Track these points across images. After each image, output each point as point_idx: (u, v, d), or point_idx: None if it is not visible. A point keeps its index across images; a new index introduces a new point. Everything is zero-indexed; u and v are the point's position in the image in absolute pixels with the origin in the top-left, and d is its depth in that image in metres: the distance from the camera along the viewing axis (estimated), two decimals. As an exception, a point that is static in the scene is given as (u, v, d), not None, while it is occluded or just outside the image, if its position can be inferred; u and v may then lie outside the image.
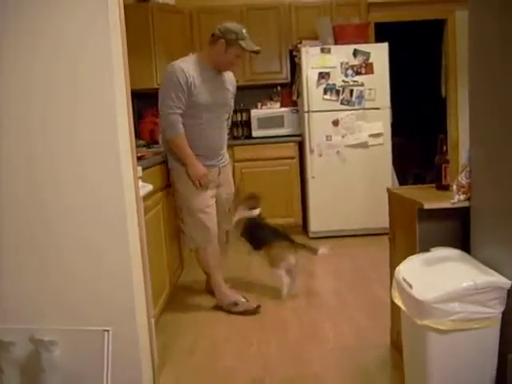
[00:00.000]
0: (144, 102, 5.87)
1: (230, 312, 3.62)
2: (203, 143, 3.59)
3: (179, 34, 5.80)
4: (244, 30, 3.49)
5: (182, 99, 3.43)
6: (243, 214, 3.93)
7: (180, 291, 4.10)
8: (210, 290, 3.90)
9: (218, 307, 3.72)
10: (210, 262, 3.71)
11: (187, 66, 3.47)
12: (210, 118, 3.58)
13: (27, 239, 2.13)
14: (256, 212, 3.94)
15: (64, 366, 2.08)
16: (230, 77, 3.79)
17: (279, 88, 6.12)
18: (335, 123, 5.40)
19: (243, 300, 3.64)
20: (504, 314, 1.99)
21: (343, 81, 5.36)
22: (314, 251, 3.76)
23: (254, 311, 3.57)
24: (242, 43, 3.47)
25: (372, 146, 5.45)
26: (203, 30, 5.87)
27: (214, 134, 3.65)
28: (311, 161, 5.47)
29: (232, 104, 3.84)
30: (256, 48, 3.60)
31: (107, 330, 2.06)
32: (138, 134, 5.45)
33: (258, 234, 3.88)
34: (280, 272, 3.74)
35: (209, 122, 3.58)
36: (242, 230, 3.92)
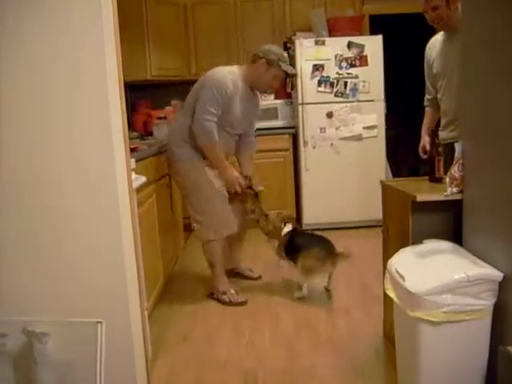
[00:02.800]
0: (137, 94, 5.87)
1: (218, 300, 3.72)
2: (221, 148, 3.61)
3: (173, 25, 5.77)
4: (285, 54, 3.63)
5: (220, 111, 3.47)
6: (282, 231, 3.79)
7: (174, 283, 4.11)
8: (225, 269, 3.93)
9: (210, 296, 3.78)
10: (218, 255, 3.74)
11: (233, 81, 3.50)
12: (230, 130, 3.65)
13: (22, 232, 2.12)
14: (287, 228, 3.81)
15: (57, 357, 2.07)
16: (258, 100, 3.89)
17: (273, 80, 6.10)
18: (329, 115, 5.39)
19: (233, 292, 3.72)
20: (496, 305, 2.00)
21: (337, 73, 5.36)
22: (346, 256, 3.58)
23: (239, 304, 3.66)
24: (283, 65, 3.55)
25: (366, 138, 5.45)
26: (197, 21, 5.87)
27: (231, 141, 3.74)
28: (305, 153, 5.47)
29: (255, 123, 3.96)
30: (294, 72, 3.75)
31: (100, 322, 2.06)
32: (131, 126, 5.43)
33: (294, 245, 3.72)
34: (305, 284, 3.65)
35: (229, 130, 3.65)
36: (285, 248, 3.76)
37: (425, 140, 3.46)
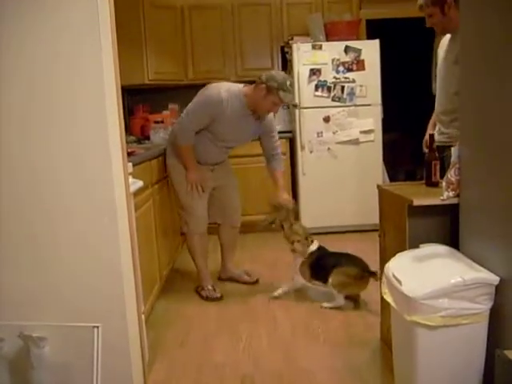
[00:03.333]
0: (135, 98, 5.88)
1: (197, 293, 3.94)
2: (204, 156, 3.82)
3: (171, 29, 5.78)
4: (288, 82, 3.55)
5: (205, 123, 3.64)
6: (302, 253, 3.69)
7: (171, 286, 4.11)
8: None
9: (195, 290, 3.99)
10: (196, 248, 3.96)
11: (228, 97, 3.57)
12: (220, 141, 3.78)
13: (19, 236, 2.12)
14: (314, 246, 3.71)
15: (53, 362, 2.07)
16: (268, 120, 3.88)
17: (270, 84, 6.11)
18: (326, 120, 5.40)
19: (210, 287, 3.91)
20: (492, 309, 2.00)
21: (334, 77, 5.37)
22: (376, 277, 3.39)
23: (214, 299, 3.82)
24: (281, 93, 3.53)
25: (363, 142, 5.46)
26: (195, 26, 5.87)
27: (217, 152, 3.85)
28: (302, 157, 5.48)
29: (274, 140, 3.98)
30: (294, 102, 3.77)
31: (97, 327, 2.06)
32: (128, 130, 5.43)
33: (322, 265, 3.62)
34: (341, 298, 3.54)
35: (217, 142, 3.78)
36: (310, 273, 3.66)
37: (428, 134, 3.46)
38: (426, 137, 3.49)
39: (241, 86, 3.72)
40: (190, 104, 3.69)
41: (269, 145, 3.96)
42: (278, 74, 3.64)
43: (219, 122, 3.62)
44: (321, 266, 3.62)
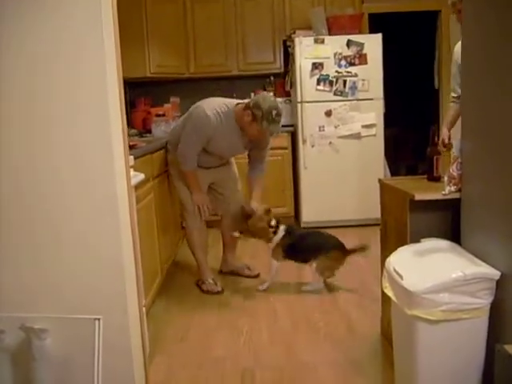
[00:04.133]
0: (136, 91, 5.88)
1: (197, 286, 3.97)
2: (202, 164, 3.78)
3: (173, 23, 5.77)
4: (274, 112, 3.44)
5: (202, 144, 3.64)
6: (277, 235, 3.76)
7: (172, 280, 4.12)
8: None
9: (196, 283, 4.02)
10: (195, 242, 3.98)
11: (217, 117, 3.55)
12: (214, 156, 3.81)
13: (21, 230, 2.12)
14: (281, 227, 3.79)
15: (55, 354, 2.07)
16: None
17: (272, 78, 6.11)
18: (328, 114, 5.39)
19: (210, 281, 3.92)
20: (493, 304, 2.00)
21: (336, 71, 5.35)
22: (363, 249, 3.73)
23: (214, 293, 3.83)
24: (265, 124, 3.46)
25: (365, 136, 5.45)
26: (197, 19, 5.86)
27: (213, 161, 3.86)
28: (304, 151, 5.47)
29: (264, 154, 3.96)
30: (277, 133, 3.69)
31: (98, 319, 2.06)
32: (130, 123, 5.43)
33: (302, 248, 3.76)
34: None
35: (212, 156, 3.80)
36: (284, 253, 3.76)
37: (444, 134, 3.48)
38: (442, 136, 3.48)
39: (234, 103, 3.67)
40: (183, 129, 3.67)
41: (256, 157, 3.93)
42: (266, 101, 3.49)
43: (213, 140, 3.61)
44: (298, 248, 3.76)
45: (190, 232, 3.97)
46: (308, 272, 3.87)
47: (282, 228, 3.78)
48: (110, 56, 2.08)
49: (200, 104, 3.65)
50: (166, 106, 5.58)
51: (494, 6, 1.95)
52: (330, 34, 5.43)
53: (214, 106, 3.60)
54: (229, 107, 3.62)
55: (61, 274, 2.15)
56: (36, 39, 2.02)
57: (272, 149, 5.48)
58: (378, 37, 5.36)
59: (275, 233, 3.76)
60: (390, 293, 2.19)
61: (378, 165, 5.47)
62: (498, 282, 1.98)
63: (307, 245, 3.77)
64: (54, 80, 2.04)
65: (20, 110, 2.05)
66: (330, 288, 3.78)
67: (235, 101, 3.70)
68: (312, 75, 5.35)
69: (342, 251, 3.72)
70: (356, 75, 5.36)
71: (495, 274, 1.97)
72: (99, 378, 2.04)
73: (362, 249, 3.74)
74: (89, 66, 2.03)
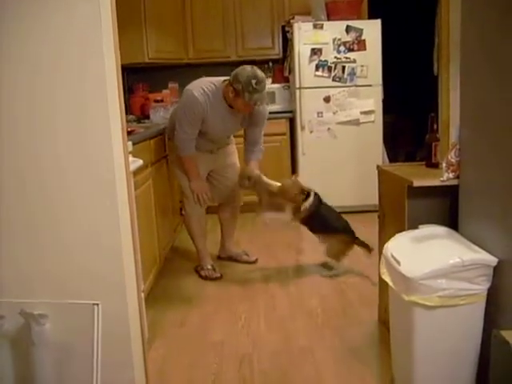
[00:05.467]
0: (135, 77, 5.85)
1: (196, 272, 3.98)
2: (201, 147, 3.77)
3: (171, 8, 5.72)
4: (254, 81, 3.39)
5: (197, 126, 3.61)
6: (307, 200, 3.74)
7: (170, 266, 4.13)
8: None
9: (195, 269, 4.03)
10: (194, 228, 3.99)
11: (206, 98, 3.52)
12: (211, 140, 3.80)
13: (20, 216, 2.12)
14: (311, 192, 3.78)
15: (54, 339, 2.08)
16: (260, 111, 3.76)
17: (271, 64, 6.08)
18: (327, 100, 5.39)
19: (209, 267, 3.95)
20: (490, 290, 2.02)
21: (335, 57, 5.34)
22: (369, 250, 3.71)
23: (213, 279, 3.86)
24: (247, 95, 3.41)
25: (363, 123, 5.45)
26: (195, 4, 5.82)
27: (212, 145, 3.86)
28: (302, 137, 5.47)
29: (259, 134, 3.94)
30: (262, 102, 3.58)
31: (97, 304, 2.07)
32: (128, 109, 5.41)
33: (320, 219, 3.78)
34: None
35: (209, 140, 3.79)
36: (304, 218, 3.76)
37: None
38: None
39: (221, 80, 3.62)
40: (178, 114, 3.66)
41: (252, 137, 3.90)
42: (243, 72, 3.44)
43: (206, 120, 3.58)
44: (318, 218, 3.75)
45: (189, 219, 3.97)
46: (305, 258, 3.88)
47: (312, 194, 3.77)
48: (108, 40, 2.07)
49: (188, 87, 3.62)
50: (165, 91, 5.56)
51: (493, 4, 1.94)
52: (328, 20, 5.40)
53: (201, 86, 3.57)
54: (216, 85, 3.58)
55: (59, 260, 2.15)
56: (38, 39, 2.01)
57: (270, 135, 5.52)
58: (377, 22, 5.34)
59: (305, 199, 3.73)
60: (387, 278, 2.20)
61: (376, 151, 5.47)
62: (495, 268, 1.99)
63: (325, 218, 3.77)
64: (56, 77, 2.03)
65: (20, 97, 2.04)
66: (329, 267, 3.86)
67: (222, 78, 3.63)
68: (311, 61, 5.34)
69: (352, 237, 3.76)
70: (355, 61, 5.35)
71: (492, 260, 1.98)
72: (98, 363, 2.05)
73: (367, 249, 3.71)
74: (86, 51, 2.02)
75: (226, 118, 3.64)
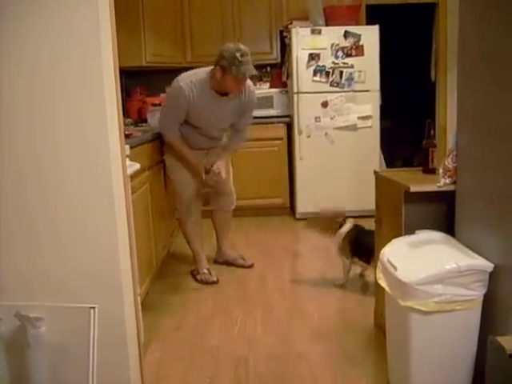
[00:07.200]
0: (132, 80, 5.84)
1: (192, 276, 3.97)
2: (195, 144, 3.81)
3: (169, 11, 5.73)
4: (238, 54, 3.38)
5: (181, 116, 3.64)
6: (343, 227, 3.62)
7: (167, 269, 4.12)
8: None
9: (191, 273, 4.03)
10: (189, 232, 4.01)
11: (191, 87, 3.53)
12: (203, 133, 3.79)
13: (17, 218, 2.11)
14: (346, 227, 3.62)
15: (50, 342, 2.08)
16: (250, 97, 3.75)
17: (269, 69, 6.08)
18: (324, 105, 5.39)
19: (205, 271, 3.92)
20: (486, 296, 2.02)
21: (333, 62, 5.35)
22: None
23: (209, 283, 3.84)
24: (234, 69, 3.39)
25: (360, 128, 5.45)
26: (194, 8, 5.83)
27: (205, 140, 3.85)
28: (299, 142, 5.47)
29: (247, 120, 3.90)
30: (250, 73, 3.52)
31: (93, 307, 2.07)
32: (125, 113, 5.41)
33: (366, 245, 3.37)
34: None
35: (201, 133, 3.79)
36: (351, 247, 3.58)
37: None
38: None
39: (202, 71, 3.62)
40: (162, 107, 3.79)
41: (239, 122, 3.85)
42: (226, 48, 3.45)
43: (192, 110, 3.58)
44: (363, 245, 3.47)
45: (184, 222, 3.99)
46: (301, 263, 3.87)
47: (348, 223, 3.64)
48: (106, 44, 2.08)
49: (177, 77, 3.65)
50: (162, 95, 5.55)
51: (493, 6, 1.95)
52: (326, 25, 5.42)
53: (189, 76, 3.61)
54: (204, 76, 3.59)
55: (57, 263, 2.15)
56: (38, 39, 2.01)
57: (268, 139, 5.57)
58: (375, 28, 5.35)
59: (341, 226, 3.62)
60: (383, 284, 2.20)
61: (373, 156, 5.48)
62: (491, 274, 1.99)
63: (372, 243, 3.41)
64: (56, 78, 2.03)
65: (20, 98, 2.05)
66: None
67: (209, 68, 3.63)
68: (308, 66, 5.35)
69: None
70: (352, 66, 5.36)
71: (488, 266, 1.98)
72: (94, 367, 2.04)
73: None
74: (84, 54, 2.02)
75: (214, 106, 3.62)
